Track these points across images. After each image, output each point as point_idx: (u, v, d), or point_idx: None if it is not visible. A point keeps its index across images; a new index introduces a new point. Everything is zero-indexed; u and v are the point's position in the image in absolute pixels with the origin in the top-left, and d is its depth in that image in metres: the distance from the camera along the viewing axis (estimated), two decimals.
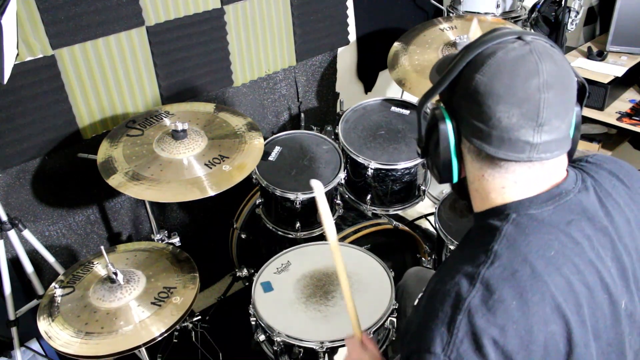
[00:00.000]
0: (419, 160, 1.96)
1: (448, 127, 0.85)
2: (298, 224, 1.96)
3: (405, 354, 0.84)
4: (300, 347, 1.52)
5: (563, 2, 2.41)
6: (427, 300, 0.85)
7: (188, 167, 1.67)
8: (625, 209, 0.90)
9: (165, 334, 1.46)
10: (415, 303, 0.93)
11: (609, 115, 2.45)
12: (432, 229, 2.62)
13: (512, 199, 0.85)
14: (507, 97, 0.78)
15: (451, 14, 2.61)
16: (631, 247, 0.88)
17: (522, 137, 0.79)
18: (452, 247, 1.91)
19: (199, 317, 1.97)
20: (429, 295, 0.85)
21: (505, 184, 0.85)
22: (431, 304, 0.82)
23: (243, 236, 2.23)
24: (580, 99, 0.87)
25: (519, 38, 0.81)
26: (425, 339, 0.79)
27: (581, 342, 0.79)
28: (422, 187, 2.10)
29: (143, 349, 1.56)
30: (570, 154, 0.88)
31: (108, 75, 1.89)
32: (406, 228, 2.08)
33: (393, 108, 2.22)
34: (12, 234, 1.69)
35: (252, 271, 2.14)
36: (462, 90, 0.83)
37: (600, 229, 0.86)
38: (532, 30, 0.84)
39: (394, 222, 2.06)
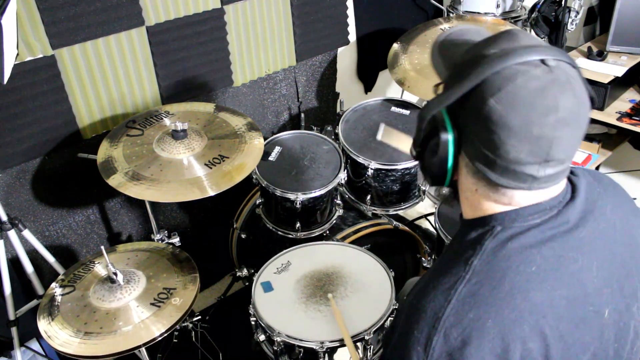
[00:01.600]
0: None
1: (449, 139, 0.82)
2: (298, 224, 1.96)
3: None
4: (300, 347, 1.52)
5: (563, 2, 2.41)
6: (406, 314, 0.83)
7: (188, 167, 1.67)
8: (610, 217, 0.88)
9: (165, 335, 1.46)
10: (399, 307, 0.92)
11: (609, 115, 2.45)
12: (432, 229, 2.62)
13: (500, 211, 0.83)
14: (520, 132, 0.74)
15: (451, 14, 2.61)
16: (614, 254, 0.87)
17: (527, 171, 0.77)
18: None
19: (199, 317, 1.97)
20: (409, 308, 0.84)
21: (497, 200, 0.83)
22: (409, 320, 0.81)
23: (243, 236, 2.23)
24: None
25: (543, 62, 0.75)
26: (403, 357, 0.79)
27: (557, 358, 0.78)
28: (422, 187, 2.10)
29: (143, 349, 1.56)
30: None
31: (108, 75, 1.89)
32: (406, 228, 2.08)
33: (393, 108, 2.22)
34: (12, 234, 1.69)
35: (252, 271, 2.14)
36: (473, 110, 0.78)
37: (584, 239, 0.84)
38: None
39: (394, 222, 2.06)
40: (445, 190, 0.95)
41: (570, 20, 2.45)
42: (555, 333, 0.78)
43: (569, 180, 0.90)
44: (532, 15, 2.54)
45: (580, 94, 0.76)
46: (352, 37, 2.67)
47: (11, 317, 1.79)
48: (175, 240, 1.85)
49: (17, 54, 1.45)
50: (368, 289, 1.66)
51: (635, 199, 1.01)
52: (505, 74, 0.74)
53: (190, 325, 1.95)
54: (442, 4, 2.79)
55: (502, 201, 0.82)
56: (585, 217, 0.86)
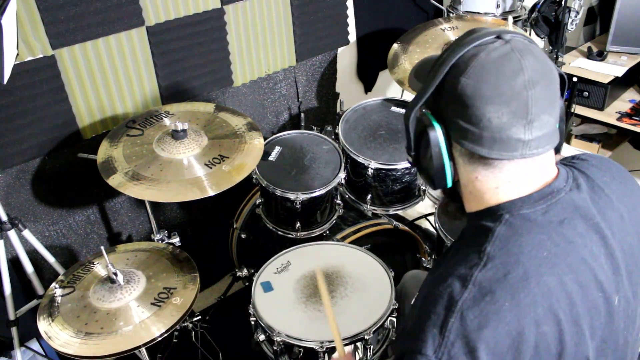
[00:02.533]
0: None
1: (438, 133, 0.85)
2: (298, 224, 1.96)
3: (399, 354, 0.84)
4: (300, 347, 1.52)
5: (563, 2, 2.41)
6: (422, 302, 0.85)
7: (188, 167, 1.67)
8: (618, 205, 0.90)
9: (165, 335, 1.46)
10: (412, 302, 0.94)
11: (609, 115, 2.46)
12: (432, 229, 2.62)
13: (506, 199, 0.85)
14: (495, 97, 0.78)
15: (451, 14, 2.61)
16: (623, 242, 0.88)
17: (514, 135, 0.79)
18: None
19: (199, 317, 1.97)
20: (424, 297, 0.86)
21: (499, 184, 0.85)
22: (425, 306, 0.83)
23: (243, 236, 2.23)
24: (562, 91, 0.88)
25: (498, 37, 0.82)
26: (418, 340, 0.79)
27: (572, 342, 0.80)
28: (422, 187, 2.10)
29: (143, 349, 1.56)
30: (557, 147, 0.88)
31: (108, 75, 1.89)
32: (406, 228, 2.08)
33: (393, 108, 2.22)
34: (12, 234, 1.69)
35: (252, 271, 2.14)
36: (448, 94, 0.82)
37: (592, 226, 0.86)
38: (515, 29, 0.84)
39: (394, 222, 2.06)
40: (446, 197, 0.97)
41: (570, 20, 2.45)
42: (569, 317, 0.80)
43: (574, 167, 0.93)
44: (532, 15, 2.54)
45: (541, 57, 0.82)
46: (352, 37, 2.67)
47: (11, 317, 1.79)
48: (175, 240, 1.85)
49: (17, 54, 1.45)
50: (368, 289, 1.66)
51: None
52: (468, 55, 0.81)
53: (190, 325, 1.95)
54: (442, 4, 2.79)
55: (502, 182, 0.84)
56: (592, 203, 0.88)
